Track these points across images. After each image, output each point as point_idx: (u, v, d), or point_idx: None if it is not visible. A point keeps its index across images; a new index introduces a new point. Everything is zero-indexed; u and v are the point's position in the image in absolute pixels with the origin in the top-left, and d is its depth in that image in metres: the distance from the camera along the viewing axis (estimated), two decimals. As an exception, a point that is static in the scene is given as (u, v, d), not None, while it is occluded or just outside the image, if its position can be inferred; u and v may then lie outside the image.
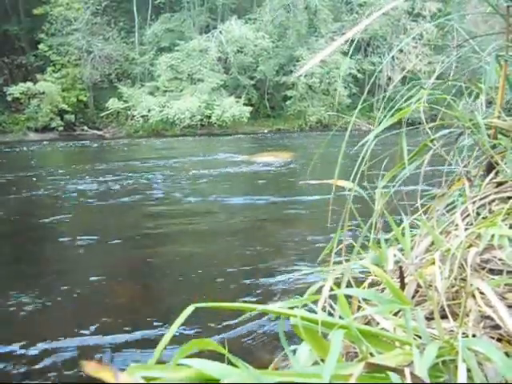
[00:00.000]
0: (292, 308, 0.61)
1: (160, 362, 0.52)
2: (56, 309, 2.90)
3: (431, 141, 1.10)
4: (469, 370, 0.54)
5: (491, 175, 1.08)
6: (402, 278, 0.84)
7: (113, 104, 26.58)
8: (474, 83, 1.44)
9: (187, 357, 0.52)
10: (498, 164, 1.08)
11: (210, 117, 25.77)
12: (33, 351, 2.38)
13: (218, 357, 0.54)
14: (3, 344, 2.45)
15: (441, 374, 0.57)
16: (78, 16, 27.32)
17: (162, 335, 0.54)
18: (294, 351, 0.63)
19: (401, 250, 0.98)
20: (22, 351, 2.40)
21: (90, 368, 0.43)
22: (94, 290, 3.21)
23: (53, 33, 27.33)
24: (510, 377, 0.50)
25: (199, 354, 0.52)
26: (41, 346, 2.42)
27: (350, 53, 2.01)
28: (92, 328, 2.61)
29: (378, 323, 0.70)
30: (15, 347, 2.43)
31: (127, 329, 2.57)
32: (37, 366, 2.25)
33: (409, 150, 1.10)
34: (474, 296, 0.72)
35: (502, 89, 1.23)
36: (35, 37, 27.21)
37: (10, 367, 2.26)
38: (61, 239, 4.56)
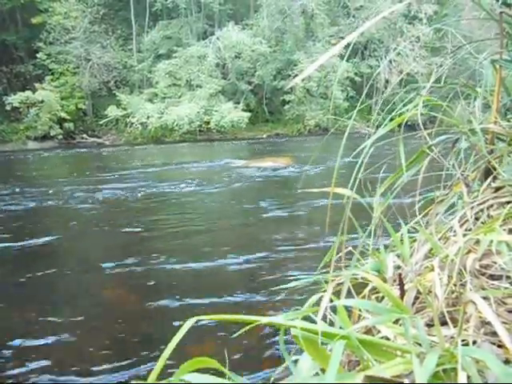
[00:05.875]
0: (293, 319, 0.61)
1: (161, 377, 0.53)
2: (56, 324, 2.88)
3: (429, 147, 1.11)
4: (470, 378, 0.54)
5: (489, 180, 1.08)
6: (401, 285, 0.85)
7: (112, 111, 26.64)
8: (471, 87, 1.44)
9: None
10: (495, 169, 1.08)
11: (208, 122, 25.81)
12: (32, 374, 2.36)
13: (220, 370, 0.55)
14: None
15: (441, 382, 0.57)
16: (75, 24, 27.45)
17: (163, 349, 0.54)
18: (296, 362, 0.63)
19: (400, 255, 0.98)
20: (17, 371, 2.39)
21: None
22: (90, 303, 3.19)
23: (51, 41, 27.41)
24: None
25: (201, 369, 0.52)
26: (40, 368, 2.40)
27: (347, 56, 2.03)
28: (90, 343, 2.59)
29: (378, 331, 0.71)
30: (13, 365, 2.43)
31: (127, 344, 2.55)
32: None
33: (410, 153, 1.10)
34: (473, 302, 0.72)
35: (497, 93, 1.23)
36: (33, 46, 27.27)
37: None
38: (52, 255, 4.54)
